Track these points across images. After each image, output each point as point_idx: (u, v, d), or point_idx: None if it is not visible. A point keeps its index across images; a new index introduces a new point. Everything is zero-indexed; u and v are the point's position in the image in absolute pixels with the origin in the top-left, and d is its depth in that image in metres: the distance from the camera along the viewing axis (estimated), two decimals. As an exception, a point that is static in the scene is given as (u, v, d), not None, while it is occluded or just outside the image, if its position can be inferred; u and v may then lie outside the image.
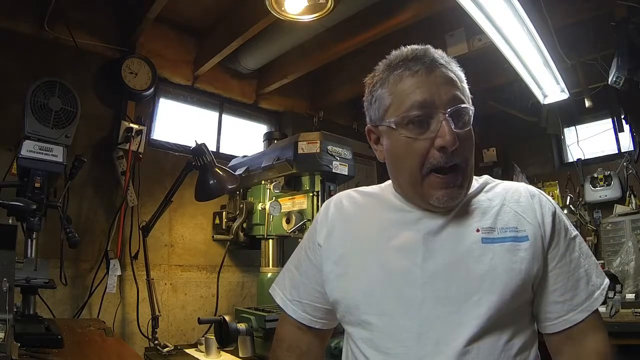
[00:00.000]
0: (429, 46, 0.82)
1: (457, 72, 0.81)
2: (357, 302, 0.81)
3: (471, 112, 0.79)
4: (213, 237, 2.43)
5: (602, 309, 1.73)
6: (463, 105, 0.77)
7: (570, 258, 0.78)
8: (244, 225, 2.27)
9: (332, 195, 1.88)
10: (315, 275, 0.90)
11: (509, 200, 0.81)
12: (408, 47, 0.83)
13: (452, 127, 0.74)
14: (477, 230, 0.77)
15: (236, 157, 2.51)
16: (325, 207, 0.96)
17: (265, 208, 2.15)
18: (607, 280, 0.80)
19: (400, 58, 0.81)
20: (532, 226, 0.78)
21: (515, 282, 0.74)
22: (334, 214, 0.92)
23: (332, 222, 0.91)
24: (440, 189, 0.76)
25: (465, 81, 0.83)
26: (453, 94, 0.76)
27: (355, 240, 0.86)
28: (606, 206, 2.82)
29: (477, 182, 0.87)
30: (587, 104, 2.61)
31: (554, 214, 0.80)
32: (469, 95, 0.82)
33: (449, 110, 0.75)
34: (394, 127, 0.78)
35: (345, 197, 0.95)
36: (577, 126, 3.15)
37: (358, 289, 0.81)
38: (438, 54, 0.80)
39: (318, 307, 0.91)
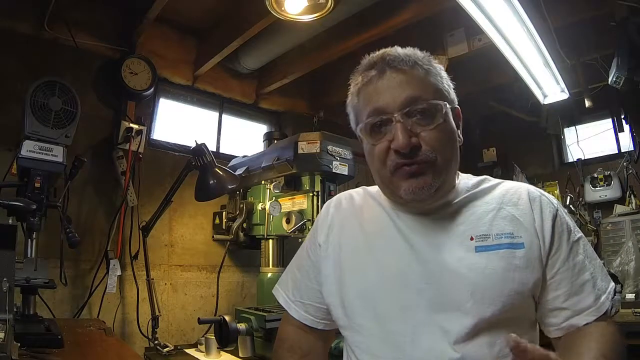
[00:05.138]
0: (388, 49, 0.81)
1: (423, 67, 0.77)
2: (352, 306, 0.81)
3: (442, 107, 0.76)
4: (213, 237, 2.42)
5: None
6: (420, 107, 0.74)
7: (573, 262, 0.76)
8: (244, 225, 2.27)
9: (332, 195, 1.89)
10: (317, 275, 0.90)
11: (506, 202, 0.79)
12: (373, 53, 0.82)
13: (409, 127, 0.73)
14: (472, 239, 0.76)
15: (236, 157, 2.51)
16: (325, 208, 0.96)
17: (265, 208, 2.15)
18: (612, 284, 0.77)
19: (360, 67, 0.82)
20: (529, 233, 0.76)
21: (509, 292, 0.72)
22: (334, 214, 0.92)
23: (332, 223, 0.91)
24: (406, 180, 0.75)
25: (438, 74, 0.79)
26: (406, 95, 0.74)
27: (353, 241, 0.86)
28: (606, 206, 2.82)
29: (473, 182, 0.85)
30: (587, 104, 2.61)
31: (555, 217, 0.77)
32: (445, 88, 0.79)
33: (402, 112, 0.74)
34: (361, 135, 0.80)
35: (345, 197, 0.95)
36: (577, 126, 3.15)
37: (354, 291, 0.81)
38: (394, 54, 0.78)
39: (320, 308, 0.91)
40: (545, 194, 0.82)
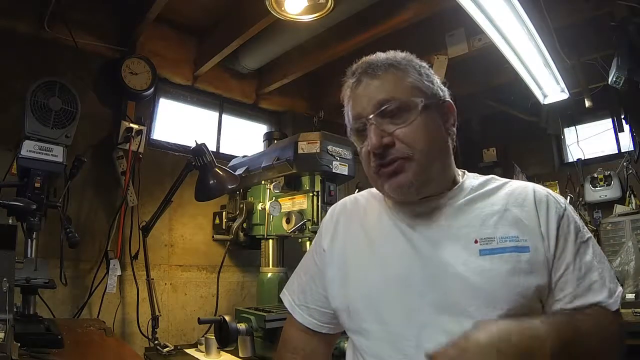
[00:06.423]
0: (369, 56, 0.84)
1: (399, 68, 0.79)
2: (357, 309, 0.81)
3: (416, 103, 0.76)
4: (213, 237, 2.42)
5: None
6: (392, 106, 0.76)
7: (580, 263, 0.74)
8: (244, 225, 2.27)
9: (332, 195, 1.89)
10: (322, 279, 0.91)
11: (512, 204, 0.77)
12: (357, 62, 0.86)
13: (382, 128, 0.77)
14: (476, 242, 0.75)
15: (236, 157, 2.51)
16: (330, 212, 0.97)
17: (265, 208, 2.15)
18: (620, 288, 0.75)
19: (346, 76, 0.86)
20: (534, 236, 0.74)
21: (514, 296, 0.71)
22: (339, 218, 0.93)
23: (337, 227, 0.92)
24: (387, 180, 0.78)
25: (416, 72, 0.80)
26: (378, 98, 0.77)
27: (356, 244, 0.86)
28: (606, 206, 2.82)
29: (479, 182, 0.84)
30: (587, 104, 2.61)
31: (561, 218, 0.75)
32: (424, 85, 0.79)
33: (375, 114, 0.77)
34: (351, 140, 0.85)
35: (350, 200, 0.96)
36: (577, 126, 3.15)
37: (358, 295, 0.81)
38: (371, 61, 0.82)
39: (324, 312, 0.91)
40: (553, 193, 0.80)
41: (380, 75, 0.79)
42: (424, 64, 0.84)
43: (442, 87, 0.84)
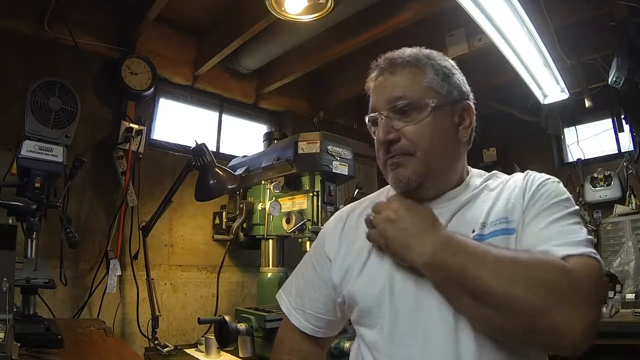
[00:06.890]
0: (394, 51, 0.85)
1: (417, 66, 0.81)
2: (369, 307, 0.81)
3: (426, 103, 0.78)
4: (213, 237, 2.43)
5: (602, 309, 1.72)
6: (401, 104, 0.78)
7: (546, 220, 0.71)
8: (244, 225, 2.27)
9: (332, 195, 1.88)
10: (321, 286, 0.91)
11: (506, 191, 0.80)
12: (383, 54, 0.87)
13: (391, 124, 0.79)
14: (473, 231, 0.76)
15: (236, 157, 2.51)
16: (338, 215, 0.97)
17: (265, 208, 2.15)
18: (591, 248, 0.68)
19: (372, 67, 0.87)
20: (519, 215, 0.75)
21: None
22: (346, 222, 0.93)
23: (344, 232, 0.92)
24: (391, 172, 0.81)
25: (434, 71, 0.81)
26: (392, 95, 0.80)
27: (365, 245, 0.86)
28: (606, 206, 2.82)
29: (482, 179, 0.85)
30: (587, 104, 2.61)
31: (538, 186, 0.76)
32: (439, 84, 0.80)
33: (386, 110, 0.81)
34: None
35: (358, 203, 0.97)
36: (577, 126, 3.15)
37: (370, 294, 0.81)
38: (393, 56, 0.84)
39: (321, 318, 0.92)
40: (541, 173, 0.81)
41: (398, 72, 0.82)
42: (447, 62, 0.85)
43: (462, 88, 0.84)
